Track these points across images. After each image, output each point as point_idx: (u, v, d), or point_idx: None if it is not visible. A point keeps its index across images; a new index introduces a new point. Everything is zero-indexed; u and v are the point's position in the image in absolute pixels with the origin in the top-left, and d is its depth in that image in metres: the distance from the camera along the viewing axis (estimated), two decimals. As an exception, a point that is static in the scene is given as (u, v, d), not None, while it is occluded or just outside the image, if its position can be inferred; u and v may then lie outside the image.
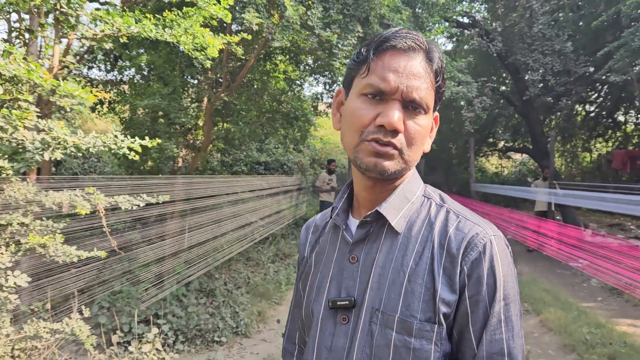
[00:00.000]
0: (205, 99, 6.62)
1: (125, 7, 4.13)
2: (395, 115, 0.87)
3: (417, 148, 0.93)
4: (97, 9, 2.96)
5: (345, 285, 0.97)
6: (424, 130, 0.93)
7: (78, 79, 7.39)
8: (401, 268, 0.92)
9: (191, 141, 7.47)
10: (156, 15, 3.23)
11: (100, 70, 7.72)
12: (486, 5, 11.18)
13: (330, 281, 1.01)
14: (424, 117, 0.92)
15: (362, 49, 0.95)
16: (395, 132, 0.89)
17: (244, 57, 5.78)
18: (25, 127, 2.62)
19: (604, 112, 14.01)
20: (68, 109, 3.15)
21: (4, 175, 2.65)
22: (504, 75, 12.97)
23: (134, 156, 2.87)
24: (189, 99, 7.23)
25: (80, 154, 2.99)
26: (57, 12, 2.82)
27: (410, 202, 0.99)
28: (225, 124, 7.65)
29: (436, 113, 1.02)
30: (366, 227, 0.98)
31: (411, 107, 0.90)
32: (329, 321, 0.98)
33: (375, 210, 0.96)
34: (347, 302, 0.94)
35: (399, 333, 0.88)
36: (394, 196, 0.98)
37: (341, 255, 1.01)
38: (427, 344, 0.87)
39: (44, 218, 3.09)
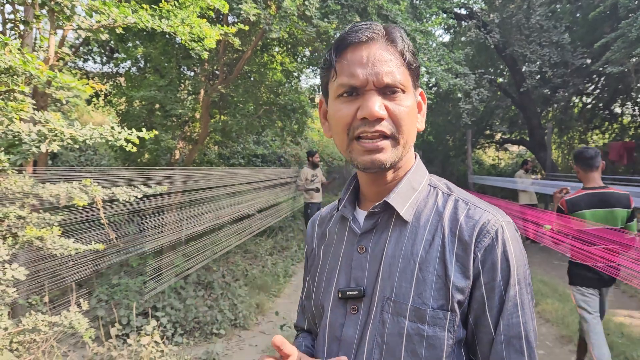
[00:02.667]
0: (202, 91, 6.59)
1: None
2: (374, 104, 0.88)
3: (407, 128, 0.93)
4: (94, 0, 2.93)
5: (354, 275, 0.98)
6: (409, 109, 0.93)
7: (74, 71, 7.36)
8: (411, 257, 0.92)
9: (188, 133, 7.44)
10: (152, 5, 3.20)
11: (95, 62, 7.68)
12: (483, -3, 11.15)
13: (339, 272, 1.02)
14: (405, 97, 0.92)
15: (327, 55, 0.97)
16: (379, 120, 0.89)
17: (240, 49, 5.75)
18: (21, 120, 2.60)
19: (600, 104, 14.00)
20: (64, 102, 3.13)
21: (0, 168, 2.63)
22: (502, 67, 12.96)
23: (131, 148, 2.85)
24: (186, 91, 7.19)
25: (77, 147, 2.97)
26: (53, 3, 2.79)
27: (417, 191, 1.00)
28: (222, 116, 7.62)
29: (420, 90, 1.02)
30: (374, 217, 0.99)
31: (388, 92, 0.91)
32: (338, 312, 0.98)
33: (383, 200, 0.97)
34: (357, 292, 0.95)
35: (412, 321, 0.88)
36: (401, 186, 0.99)
37: (349, 246, 1.02)
38: (440, 331, 0.88)
39: (41, 211, 3.07)
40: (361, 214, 1.05)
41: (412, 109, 0.94)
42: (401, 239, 0.95)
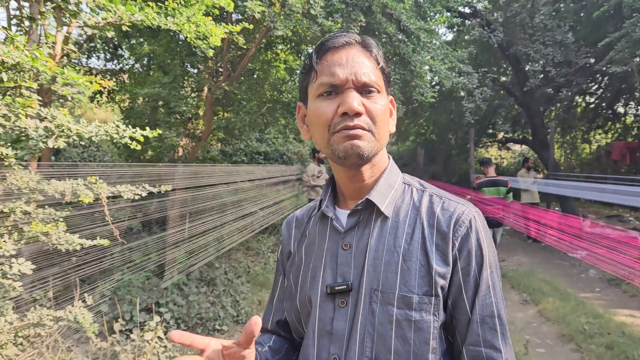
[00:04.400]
0: (206, 89, 6.60)
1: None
2: (353, 100, 0.95)
3: (382, 125, 1.01)
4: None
5: (340, 271, 1.03)
6: (384, 108, 1.02)
7: (77, 67, 7.37)
8: (394, 249, 1.00)
9: (191, 131, 7.45)
10: (158, 3, 3.21)
11: (99, 59, 7.69)
12: (487, -5, 11.12)
13: (324, 269, 1.06)
14: (380, 97, 1.01)
15: (306, 61, 1.06)
16: (358, 115, 0.96)
17: (244, 46, 5.76)
18: (27, 116, 2.61)
19: (603, 104, 13.99)
20: (70, 98, 3.14)
21: (6, 163, 2.65)
22: (505, 66, 12.93)
23: (136, 145, 2.87)
24: (189, 88, 7.20)
25: (82, 143, 2.99)
26: (60, 0, 2.80)
27: (393, 189, 1.08)
28: (225, 114, 7.63)
29: (390, 97, 1.10)
30: (356, 215, 1.06)
31: (365, 91, 0.99)
32: (327, 307, 1.03)
33: (365, 198, 1.03)
34: (345, 287, 1.00)
35: (400, 308, 0.95)
36: (380, 184, 1.06)
37: (333, 244, 1.07)
38: (427, 315, 0.95)
39: (46, 206, 3.09)
40: (341, 213, 1.11)
41: (386, 109, 1.04)
42: (383, 233, 1.02)
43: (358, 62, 0.99)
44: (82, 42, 6.62)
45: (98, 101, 8.03)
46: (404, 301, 0.95)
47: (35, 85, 2.39)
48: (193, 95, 7.14)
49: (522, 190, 9.67)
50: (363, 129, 0.97)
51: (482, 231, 1.01)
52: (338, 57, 0.99)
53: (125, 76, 8.09)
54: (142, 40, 6.61)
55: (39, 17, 3.24)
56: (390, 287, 0.97)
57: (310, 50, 7.77)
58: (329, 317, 1.02)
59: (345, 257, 1.03)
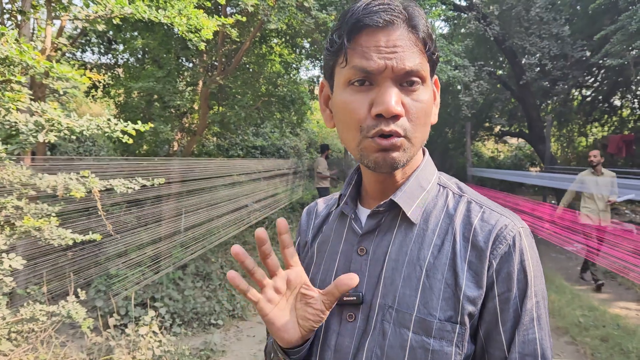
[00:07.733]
0: (201, 83, 6.57)
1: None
2: (391, 98, 0.77)
3: (422, 127, 0.83)
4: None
5: None
6: (426, 105, 0.82)
7: (72, 62, 7.33)
8: (417, 262, 0.83)
9: (187, 125, 7.43)
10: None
11: (93, 53, 7.65)
12: (483, -12, 11.09)
13: (335, 274, 0.92)
14: (423, 90, 0.82)
15: (334, 36, 0.83)
16: (395, 118, 0.78)
17: (239, 40, 5.73)
18: (18, 110, 2.59)
19: (600, 97, 13.99)
20: (61, 92, 3.12)
21: (-3, 158, 2.63)
22: (501, 59, 12.91)
23: (128, 140, 2.86)
24: (184, 82, 7.17)
25: (75, 138, 2.98)
26: (49, -7, 2.78)
27: (425, 190, 0.90)
28: (220, 108, 7.60)
29: (435, 76, 0.91)
30: (377, 217, 0.90)
31: (406, 82, 0.80)
32: (333, 318, 0.89)
33: (389, 199, 0.87)
34: (354, 298, 0.86)
35: (416, 333, 0.80)
36: (409, 184, 0.89)
37: (348, 246, 0.93)
38: (447, 345, 0.79)
39: (38, 201, 3.08)
40: (363, 212, 0.95)
41: (429, 104, 0.84)
42: (406, 242, 0.86)
43: (400, 46, 0.78)
44: (76, 36, 6.58)
45: (93, 96, 8.00)
46: (421, 325, 0.80)
47: (24, 80, 2.38)
48: (188, 89, 7.11)
49: (584, 200, 6.33)
50: (399, 135, 0.80)
51: (529, 251, 0.82)
52: (375, 39, 0.78)
53: (120, 70, 8.06)
54: (136, 34, 6.58)
55: (31, 10, 3.22)
56: (407, 306, 0.81)
57: (307, 45, 7.75)
58: (333, 331, 0.88)
59: (360, 264, 0.88)
